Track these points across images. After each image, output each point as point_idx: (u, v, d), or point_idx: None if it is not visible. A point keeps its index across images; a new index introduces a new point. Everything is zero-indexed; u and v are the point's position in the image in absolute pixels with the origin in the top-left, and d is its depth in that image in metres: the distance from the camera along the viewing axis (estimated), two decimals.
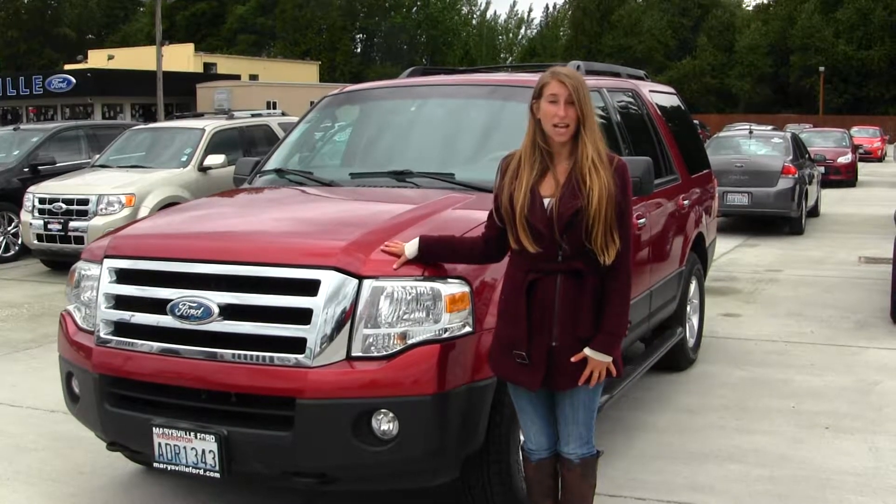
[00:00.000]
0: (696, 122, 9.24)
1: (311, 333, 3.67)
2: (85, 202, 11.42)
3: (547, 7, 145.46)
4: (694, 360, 7.16)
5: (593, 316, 3.40)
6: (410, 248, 3.74)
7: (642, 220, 5.72)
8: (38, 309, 9.67)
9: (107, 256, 4.24)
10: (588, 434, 3.60)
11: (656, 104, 6.94)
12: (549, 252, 3.38)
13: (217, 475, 3.82)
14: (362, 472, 3.80)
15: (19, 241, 12.90)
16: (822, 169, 19.46)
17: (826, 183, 21.13)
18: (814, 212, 17.56)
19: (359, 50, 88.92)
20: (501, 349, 3.51)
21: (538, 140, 3.45)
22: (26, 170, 13.38)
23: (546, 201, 3.38)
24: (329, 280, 3.70)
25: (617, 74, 6.86)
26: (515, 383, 3.53)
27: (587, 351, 3.39)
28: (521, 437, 3.85)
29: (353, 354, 3.69)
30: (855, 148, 27.66)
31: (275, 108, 24.15)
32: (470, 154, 5.37)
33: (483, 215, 4.26)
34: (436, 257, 3.77)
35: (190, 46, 59.72)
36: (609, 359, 3.43)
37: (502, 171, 3.55)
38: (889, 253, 12.67)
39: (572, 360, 3.40)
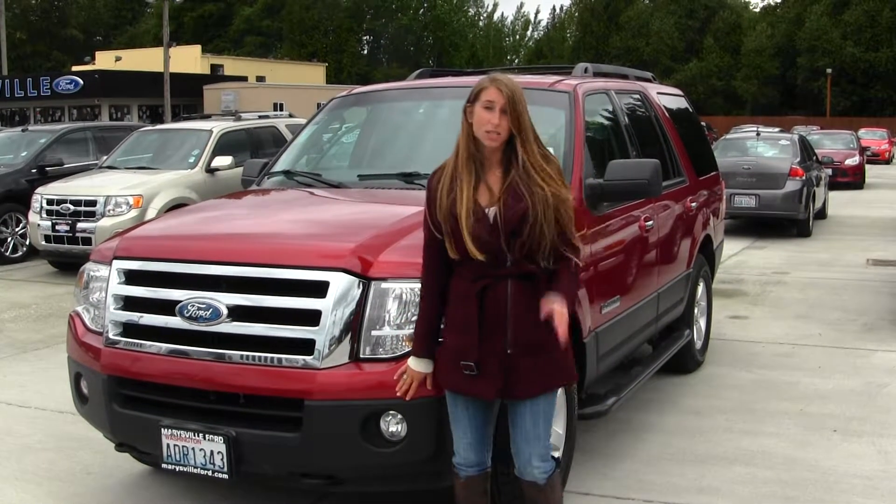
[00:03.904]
0: (703, 123, 9.23)
1: (320, 335, 3.68)
2: (93, 203, 11.45)
3: (554, 9, 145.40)
4: (701, 363, 7.15)
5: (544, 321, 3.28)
6: (420, 366, 3.47)
7: (650, 222, 5.72)
8: (46, 310, 9.69)
9: (116, 258, 4.26)
10: (547, 449, 3.44)
11: (664, 106, 6.94)
12: (497, 259, 3.26)
13: (225, 476, 3.83)
14: (370, 473, 3.81)
15: (27, 242, 12.91)
16: (829, 171, 19.42)
17: (833, 185, 21.08)
18: (821, 214, 17.53)
19: (366, 52, 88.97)
20: (451, 360, 3.34)
21: (472, 147, 3.30)
22: (34, 171, 13.40)
23: (488, 210, 3.25)
24: (337, 282, 3.71)
25: (625, 76, 6.87)
26: (469, 395, 3.36)
27: (549, 297, 3.24)
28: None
29: (362, 356, 3.70)
30: (862, 150, 27.60)
31: (282, 109, 24.18)
32: None
33: None
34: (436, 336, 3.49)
35: (197, 48, 59.86)
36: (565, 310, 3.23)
37: (432, 187, 3.38)
38: None
39: (542, 314, 3.22)
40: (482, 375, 3.29)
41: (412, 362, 3.46)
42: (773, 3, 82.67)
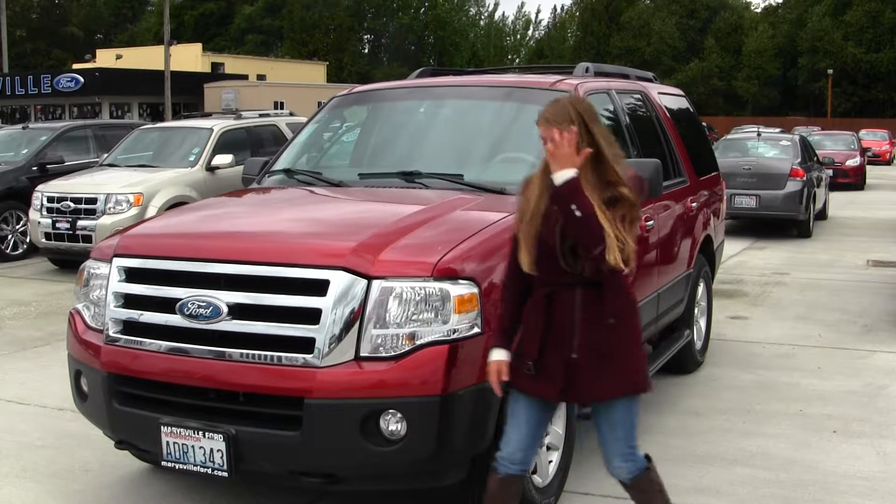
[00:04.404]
0: (704, 124, 9.23)
1: (320, 333, 3.68)
2: (93, 201, 11.45)
3: (555, 8, 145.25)
4: (701, 363, 7.15)
5: (613, 332, 3.38)
6: (499, 356, 3.55)
7: (651, 223, 5.72)
8: (46, 307, 9.70)
9: (116, 255, 4.25)
10: (630, 449, 3.53)
11: (665, 106, 6.94)
12: (556, 266, 3.35)
13: (225, 474, 3.83)
14: (370, 472, 3.81)
15: (28, 240, 12.92)
16: (830, 172, 19.41)
17: (834, 186, 21.07)
18: (822, 215, 17.53)
19: (366, 50, 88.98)
20: (518, 360, 3.48)
21: (547, 165, 3.38)
22: (35, 168, 13.41)
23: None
24: (338, 280, 3.71)
25: (626, 76, 6.86)
26: (533, 395, 3.46)
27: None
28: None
29: (362, 354, 3.69)
30: (863, 151, 27.59)
31: (282, 108, 24.16)
32: (479, 155, 5.38)
33: (491, 216, 4.28)
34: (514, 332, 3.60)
35: (198, 46, 59.84)
36: (563, 175, 3.25)
37: (521, 192, 3.53)
38: None
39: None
40: (545, 377, 3.40)
41: (491, 354, 3.54)
42: (774, 4, 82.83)
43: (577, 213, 3.22)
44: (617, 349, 3.39)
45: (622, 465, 3.54)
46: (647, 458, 3.62)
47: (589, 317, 3.36)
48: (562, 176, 3.25)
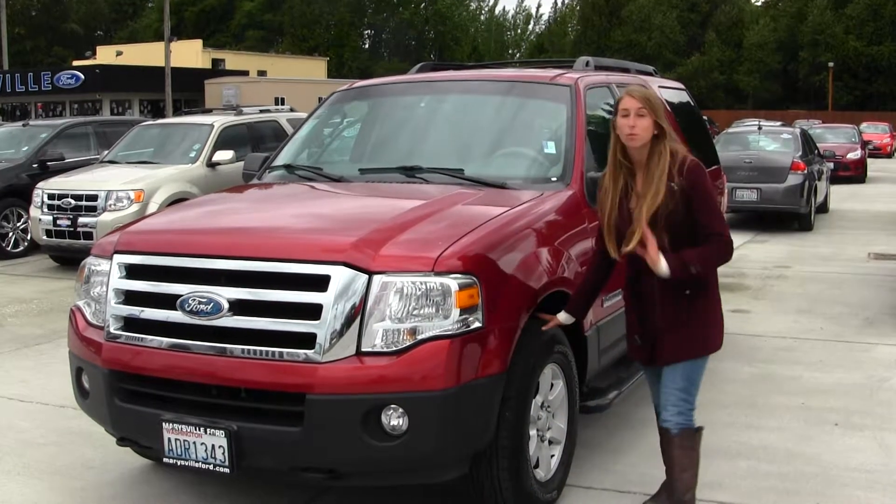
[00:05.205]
0: (705, 117, 9.22)
1: (321, 329, 3.68)
2: (94, 198, 11.45)
3: (555, 3, 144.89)
4: None
5: (689, 302, 3.83)
6: (563, 318, 4.22)
7: None
8: (48, 304, 9.70)
9: (116, 252, 4.25)
10: (685, 405, 3.95)
11: (666, 100, 6.91)
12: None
13: (227, 470, 3.83)
14: (372, 467, 3.80)
15: (28, 237, 12.93)
16: (831, 165, 19.38)
17: (835, 179, 21.05)
18: (823, 208, 17.51)
19: (367, 46, 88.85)
20: (628, 334, 4.12)
21: (619, 156, 3.86)
22: (35, 166, 13.41)
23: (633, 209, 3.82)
24: (339, 275, 3.71)
25: (626, 70, 6.86)
26: (636, 361, 4.16)
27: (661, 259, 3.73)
28: None
29: (363, 350, 3.69)
30: (864, 144, 27.57)
31: (283, 103, 24.12)
32: (479, 150, 5.37)
33: (492, 210, 4.29)
34: (588, 307, 4.34)
35: (198, 42, 59.79)
36: (663, 269, 3.71)
37: (598, 193, 4.05)
38: None
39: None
40: (640, 345, 4.02)
41: (560, 314, 4.20)
42: None
43: (694, 271, 3.73)
44: (694, 316, 3.86)
45: (673, 416, 3.94)
46: (695, 424, 4.03)
47: (666, 290, 3.82)
48: (662, 271, 3.69)
